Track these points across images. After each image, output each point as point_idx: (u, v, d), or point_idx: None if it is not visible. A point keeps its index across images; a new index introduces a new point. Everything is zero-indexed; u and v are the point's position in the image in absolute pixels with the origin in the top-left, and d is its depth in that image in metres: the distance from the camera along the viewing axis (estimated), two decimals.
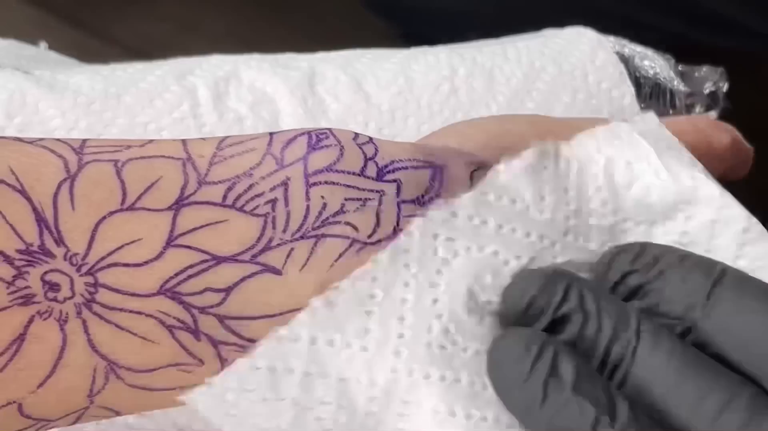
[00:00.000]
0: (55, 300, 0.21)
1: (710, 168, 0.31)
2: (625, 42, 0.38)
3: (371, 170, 0.24)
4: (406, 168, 0.25)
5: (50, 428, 0.23)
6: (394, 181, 0.24)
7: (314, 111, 0.35)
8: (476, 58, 0.37)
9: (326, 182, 0.23)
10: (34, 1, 0.88)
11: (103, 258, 0.22)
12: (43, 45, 0.42)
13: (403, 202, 0.24)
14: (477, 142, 0.27)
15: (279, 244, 0.22)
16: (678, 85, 0.37)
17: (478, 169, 0.26)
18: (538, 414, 0.22)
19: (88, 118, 0.33)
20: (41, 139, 0.23)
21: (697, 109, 0.37)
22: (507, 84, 0.36)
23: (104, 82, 0.34)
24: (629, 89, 0.37)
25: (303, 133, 0.24)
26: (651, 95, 0.37)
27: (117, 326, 0.22)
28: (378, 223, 0.23)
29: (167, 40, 0.87)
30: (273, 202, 0.23)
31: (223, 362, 0.22)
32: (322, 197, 0.23)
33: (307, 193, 0.23)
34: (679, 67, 0.38)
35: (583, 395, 0.21)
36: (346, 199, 0.23)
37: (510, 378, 0.22)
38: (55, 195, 0.22)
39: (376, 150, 0.25)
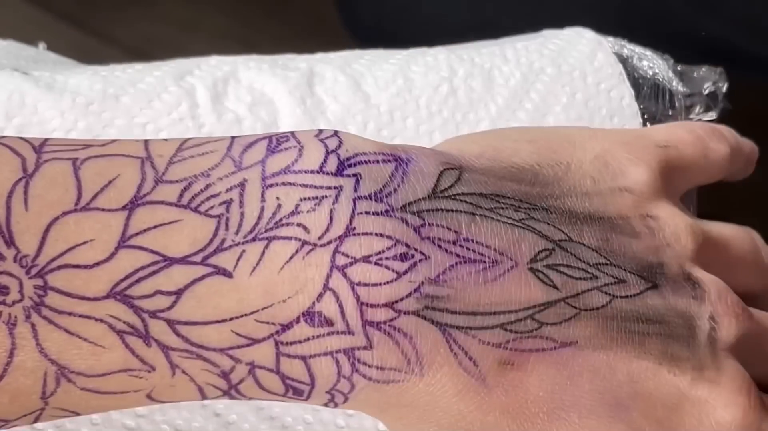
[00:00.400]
0: (3, 303, 0.21)
1: (704, 179, 0.31)
2: (623, 42, 0.38)
3: (331, 164, 0.24)
4: (368, 161, 0.24)
5: (10, 427, 0.22)
6: (354, 175, 0.24)
7: (313, 111, 0.35)
8: (475, 59, 0.37)
9: (283, 183, 0.23)
10: (34, 1, 0.88)
11: (53, 260, 0.21)
12: (41, 45, 0.42)
13: (360, 197, 0.23)
14: (470, 152, 0.26)
15: (231, 246, 0.22)
16: (677, 85, 0.37)
17: (449, 169, 0.25)
18: None
19: (87, 119, 0.33)
20: (3, 137, 0.23)
21: (697, 109, 0.37)
22: (506, 85, 0.36)
23: (103, 82, 0.34)
24: (628, 90, 0.36)
25: (264, 137, 0.24)
26: (650, 95, 0.37)
27: (66, 331, 0.21)
28: (331, 222, 0.23)
29: (167, 40, 0.87)
30: (228, 203, 0.22)
31: (174, 369, 0.22)
32: (278, 198, 0.23)
33: (263, 194, 0.23)
34: (678, 67, 0.37)
35: None
36: (301, 199, 0.23)
37: None
38: (9, 195, 0.21)
39: (340, 142, 0.24)
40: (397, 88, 0.36)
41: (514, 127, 0.35)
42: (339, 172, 0.24)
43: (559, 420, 0.24)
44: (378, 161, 0.24)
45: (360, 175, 0.24)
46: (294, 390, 0.23)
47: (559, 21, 0.40)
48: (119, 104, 0.34)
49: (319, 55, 0.38)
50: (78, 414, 0.23)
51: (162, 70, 0.35)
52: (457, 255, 0.24)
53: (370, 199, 0.23)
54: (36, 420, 0.22)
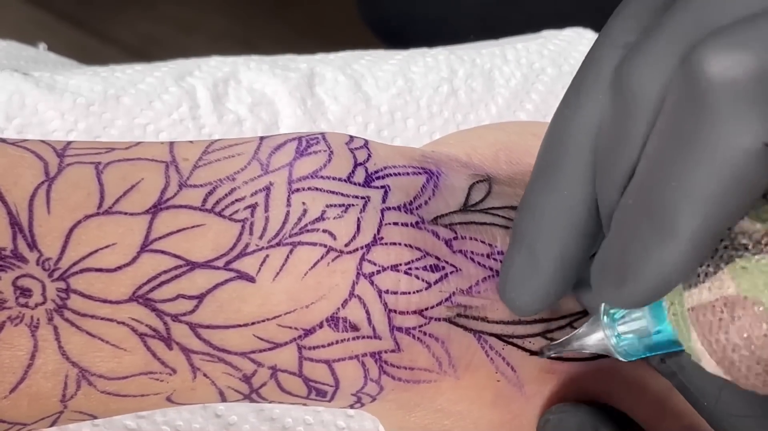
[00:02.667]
0: (26, 305, 0.21)
1: None
2: None
3: (359, 175, 0.23)
4: (398, 174, 0.24)
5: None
6: (383, 187, 0.23)
7: (313, 112, 0.35)
8: (475, 60, 0.37)
9: (309, 188, 0.23)
10: (34, 1, 0.88)
11: (75, 263, 0.21)
12: (42, 46, 0.42)
13: (388, 209, 0.23)
14: (485, 156, 0.26)
15: (254, 251, 0.22)
16: None
17: (479, 182, 0.25)
18: None
19: (87, 120, 0.33)
20: (24, 141, 0.23)
21: None
22: (506, 85, 0.36)
23: (103, 83, 0.34)
24: None
25: (293, 139, 0.24)
26: None
27: (88, 333, 0.21)
28: (358, 231, 0.23)
29: (167, 40, 0.87)
30: (253, 207, 0.22)
31: (196, 372, 0.22)
32: (303, 203, 0.23)
33: (288, 198, 0.23)
34: None
35: None
36: (327, 206, 0.23)
37: None
38: (32, 198, 0.21)
39: (369, 155, 0.24)
40: (397, 89, 0.36)
41: (515, 121, 0.35)
42: (367, 183, 0.23)
43: None
44: (408, 173, 0.24)
45: (389, 186, 0.24)
46: (317, 392, 0.23)
47: (559, 21, 0.40)
48: (120, 105, 0.34)
49: (320, 56, 0.38)
50: (95, 418, 0.23)
51: (162, 70, 0.35)
52: (491, 269, 0.24)
53: (400, 210, 0.23)
54: (52, 424, 0.22)
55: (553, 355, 0.23)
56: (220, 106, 0.34)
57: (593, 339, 0.22)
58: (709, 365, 0.19)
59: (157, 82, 0.35)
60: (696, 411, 0.22)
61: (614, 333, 0.21)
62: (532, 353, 0.24)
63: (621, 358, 0.22)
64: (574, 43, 0.38)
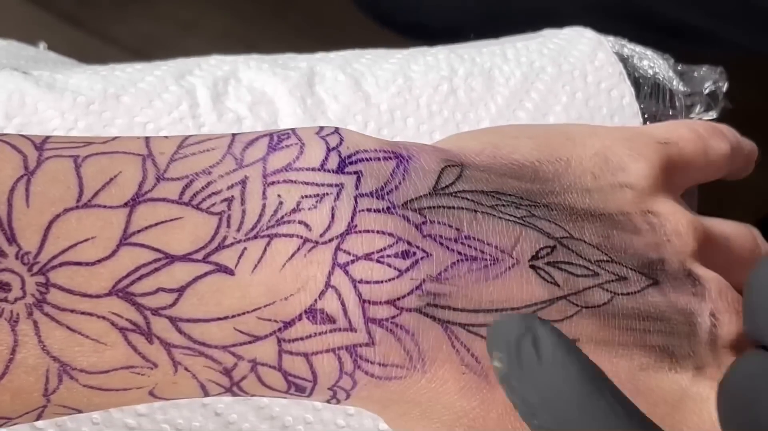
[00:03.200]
0: (5, 300, 0.21)
1: (705, 177, 0.31)
2: (624, 42, 0.38)
3: (333, 162, 0.24)
4: (369, 159, 0.24)
5: (12, 424, 0.22)
6: (356, 173, 0.24)
7: (313, 111, 0.35)
8: (475, 59, 0.37)
9: (284, 181, 0.23)
10: (34, 1, 0.88)
11: (55, 257, 0.21)
12: (42, 45, 0.42)
13: (361, 195, 0.23)
14: (470, 149, 0.26)
15: (232, 243, 0.22)
16: (677, 84, 0.37)
17: (451, 166, 0.25)
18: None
19: (87, 118, 0.33)
20: (3, 134, 0.23)
21: (697, 108, 0.37)
22: (506, 84, 0.36)
23: (103, 82, 0.34)
24: (628, 89, 0.36)
25: (265, 135, 0.24)
26: (650, 95, 0.37)
27: (69, 328, 0.21)
28: (332, 220, 0.23)
29: (167, 40, 0.87)
30: (229, 200, 0.22)
31: (177, 366, 0.22)
32: (279, 196, 0.23)
33: (264, 191, 0.23)
34: (679, 67, 0.37)
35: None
36: (303, 197, 0.23)
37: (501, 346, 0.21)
38: (11, 192, 0.21)
39: (341, 140, 0.24)
40: (397, 88, 0.36)
41: (514, 124, 0.35)
42: (340, 170, 0.24)
43: None
44: (379, 158, 0.24)
45: (361, 172, 0.24)
46: (296, 387, 0.23)
47: (559, 20, 0.40)
48: (120, 104, 0.34)
49: (320, 55, 0.38)
50: (80, 412, 0.23)
51: (162, 69, 0.35)
52: (459, 253, 0.24)
53: (372, 196, 0.23)
54: (38, 418, 0.22)
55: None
56: (220, 105, 0.34)
57: None
58: None
59: (157, 81, 0.35)
60: None
61: None
62: None
63: None
64: (573, 42, 0.38)
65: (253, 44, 0.41)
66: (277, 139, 0.24)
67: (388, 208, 0.24)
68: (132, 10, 0.89)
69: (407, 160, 0.25)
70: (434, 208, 0.24)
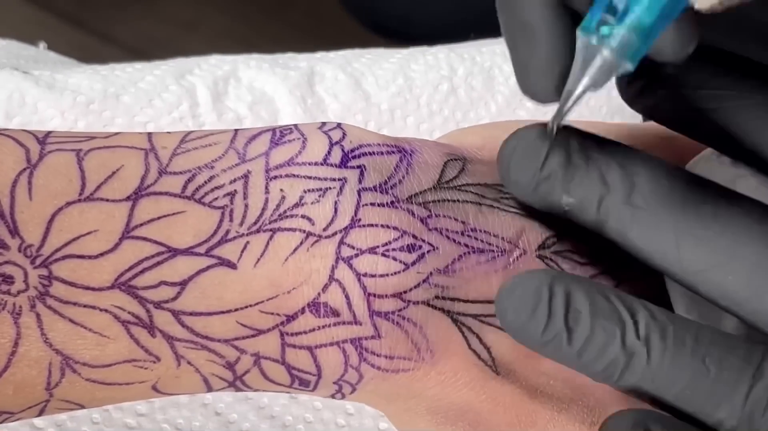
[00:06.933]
0: (8, 293, 0.21)
1: None
2: None
3: (335, 156, 0.23)
4: (372, 153, 0.24)
5: (15, 420, 0.22)
6: (359, 167, 0.23)
7: (313, 110, 0.35)
8: (475, 58, 0.37)
9: (287, 175, 0.23)
10: (34, 1, 0.88)
11: (57, 250, 0.21)
12: (42, 45, 0.42)
13: (364, 189, 0.23)
14: (471, 144, 0.26)
15: (235, 237, 0.22)
16: None
17: (453, 160, 0.25)
18: (567, 350, 0.21)
19: (87, 118, 0.33)
20: (5, 129, 0.23)
21: None
22: (506, 83, 0.36)
23: (103, 81, 0.34)
24: None
25: (267, 130, 0.24)
26: None
27: (71, 321, 0.21)
28: (336, 214, 0.23)
29: (167, 39, 0.87)
30: (232, 194, 0.22)
31: (180, 359, 0.22)
32: (282, 190, 0.23)
33: (266, 186, 0.23)
34: None
35: (604, 317, 0.21)
36: (305, 191, 0.23)
37: (529, 329, 0.21)
38: (14, 185, 0.21)
39: (344, 134, 0.24)
40: (397, 87, 0.36)
41: (514, 119, 0.35)
42: (343, 164, 0.24)
43: (576, 406, 0.24)
44: (383, 153, 0.24)
45: (364, 166, 0.24)
46: (300, 381, 0.23)
47: None
48: (120, 103, 0.34)
49: (320, 54, 0.38)
50: (83, 407, 0.23)
51: (162, 69, 0.35)
52: (466, 245, 0.24)
53: (375, 190, 0.23)
54: (41, 413, 0.22)
55: (561, 123, 0.22)
56: (220, 105, 0.34)
57: (590, 70, 0.20)
58: None
59: (157, 81, 0.35)
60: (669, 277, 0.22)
61: (602, 38, 0.19)
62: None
63: (628, 64, 0.20)
64: None
65: (252, 44, 0.41)
66: (279, 134, 0.24)
67: (392, 201, 0.23)
68: (132, 10, 0.89)
69: (410, 154, 0.25)
70: (439, 201, 0.24)
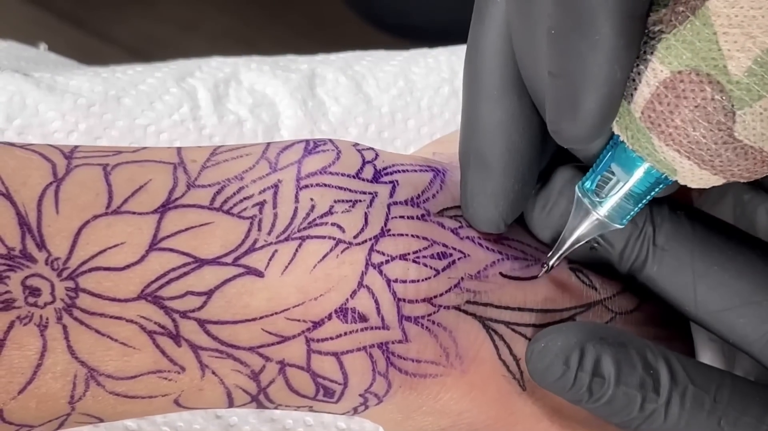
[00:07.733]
0: (35, 305, 0.21)
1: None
2: None
3: (368, 172, 0.24)
4: (405, 170, 0.24)
5: None
6: (391, 182, 0.24)
7: (314, 113, 0.35)
8: None
9: (318, 184, 0.23)
10: (34, 1, 0.88)
11: (84, 263, 0.21)
12: (42, 46, 0.42)
13: (395, 203, 0.23)
14: None
15: (263, 246, 0.22)
16: None
17: None
18: (586, 405, 0.22)
19: (88, 120, 0.33)
20: (31, 144, 0.23)
21: None
22: None
23: (104, 84, 0.34)
24: None
25: (301, 141, 0.24)
26: None
27: (97, 332, 0.21)
28: (366, 224, 0.23)
29: (167, 40, 0.87)
30: (261, 204, 0.23)
31: (204, 369, 0.22)
32: (311, 199, 0.23)
33: (296, 195, 0.23)
34: None
35: (627, 384, 0.22)
36: (336, 201, 0.23)
37: (556, 386, 0.22)
38: (40, 198, 0.21)
39: (376, 155, 0.24)
40: (398, 90, 0.36)
41: None
42: (375, 179, 0.24)
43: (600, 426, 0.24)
44: (416, 170, 0.24)
45: (397, 181, 0.24)
46: (325, 391, 0.23)
47: None
48: (121, 106, 0.34)
49: (321, 57, 0.38)
50: (102, 421, 0.23)
51: (163, 71, 0.35)
52: (499, 253, 0.24)
53: (406, 204, 0.24)
54: (59, 427, 0.22)
55: (554, 263, 0.23)
56: (221, 107, 0.34)
57: (583, 225, 0.23)
58: (684, 167, 0.20)
59: (158, 83, 0.35)
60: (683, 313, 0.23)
61: (598, 202, 0.22)
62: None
63: (618, 225, 0.22)
64: None
65: (253, 45, 0.41)
66: (313, 144, 0.24)
67: (422, 215, 0.24)
68: (132, 11, 0.89)
69: (443, 173, 0.25)
70: None
